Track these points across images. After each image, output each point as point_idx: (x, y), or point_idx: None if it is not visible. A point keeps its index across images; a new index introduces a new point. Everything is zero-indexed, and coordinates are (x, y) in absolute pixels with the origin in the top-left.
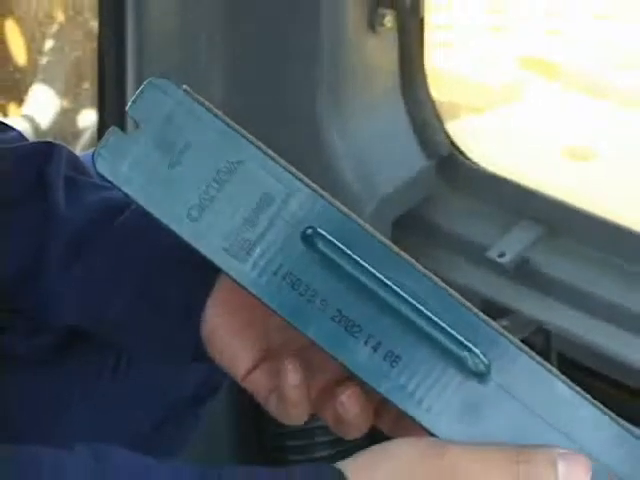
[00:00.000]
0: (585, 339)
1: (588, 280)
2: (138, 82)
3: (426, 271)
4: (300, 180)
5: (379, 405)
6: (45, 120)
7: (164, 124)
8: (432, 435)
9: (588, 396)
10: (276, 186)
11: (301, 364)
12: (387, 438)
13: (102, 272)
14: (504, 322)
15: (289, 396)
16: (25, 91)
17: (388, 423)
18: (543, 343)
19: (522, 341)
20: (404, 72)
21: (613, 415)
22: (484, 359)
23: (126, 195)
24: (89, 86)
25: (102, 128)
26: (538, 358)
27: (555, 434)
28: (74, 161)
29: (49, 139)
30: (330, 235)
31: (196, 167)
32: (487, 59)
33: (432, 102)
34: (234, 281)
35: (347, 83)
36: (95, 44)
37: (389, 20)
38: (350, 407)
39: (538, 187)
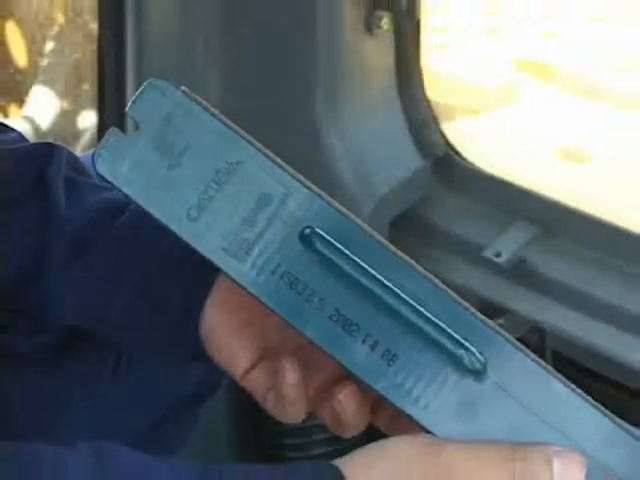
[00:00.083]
0: (580, 338)
1: (584, 280)
2: (137, 83)
3: (423, 271)
4: (298, 180)
5: (376, 403)
6: (45, 121)
7: (163, 125)
8: (429, 433)
9: (583, 394)
10: (274, 186)
11: (299, 363)
12: (384, 436)
13: (102, 272)
14: (500, 321)
15: (287, 394)
16: (26, 92)
17: (385, 421)
18: (539, 342)
19: (518, 340)
20: (400, 73)
21: (608, 413)
22: (480, 357)
23: (126, 195)
24: (89, 87)
25: (102, 129)
26: (534, 357)
27: (550, 432)
28: (74, 162)
29: (49, 140)
30: (328, 235)
31: (195, 168)
32: (483, 61)
33: (428, 103)
34: (233, 280)
35: (344, 84)
36: (95, 46)
37: (386, 22)
38: (347, 406)
39: (533, 187)
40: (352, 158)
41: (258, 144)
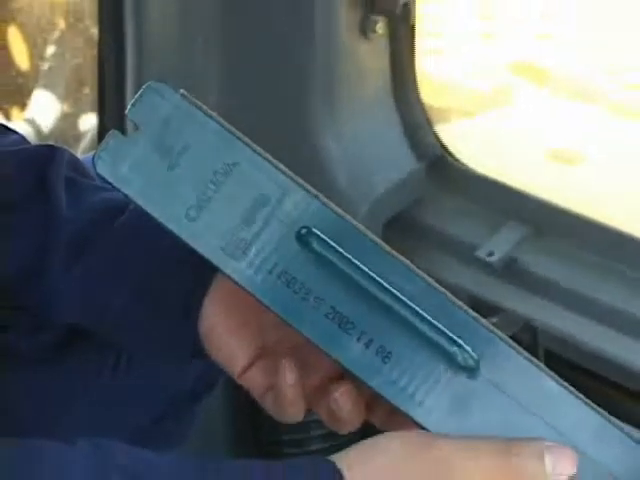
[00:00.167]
0: (572, 336)
1: (574, 279)
2: (137, 87)
3: (418, 270)
4: (294, 181)
5: (371, 400)
6: (47, 124)
7: (162, 127)
8: (423, 429)
9: (575, 391)
10: (271, 187)
11: (296, 362)
12: (379, 431)
13: (102, 272)
14: (493, 319)
15: (286, 395)
16: (27, 96)
17: (380, 418)
18: (531, 340)
19: (510, 338)
20: (395, 77)
21: (599, 409)
22: (473, 354)
23: (126, 196)
24: (89, 91)
25: (102, 131)
26: (526, 354)
27: (543, 427)
28: (75, 163)
29: (51, 142)
30: (324, 235)
31: (193, 169)
32: (477, 65)
33: (422, 106)
34: (231, 280)
35: (340, 87)
36: (95, 50)
37: (381, 27)
38: (343, 404)
39: (526, 189)
40: (348, 159)
41: (255, 145)
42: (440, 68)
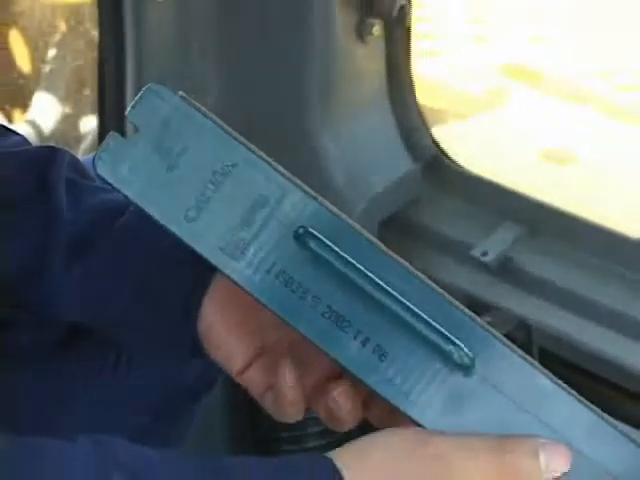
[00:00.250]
0: (565, 334)
1: (567, 277)
2: (137, 88)
3: (413, 269)
4: (292, 182)
5: (368, 398)
6: (48, 125)
7: (162, 129)
8: (419, 426)
9: (568, 388)
10: (270, 188)
11: (294, 361)
12: (376, 428)
13: (102, 272)
14: (487, 318)
15: (286, 396)
16: (29, 98)
17: (378, 415)
18: (525, 338)
19: (505, 336)
20: (391, 79)
21: (593, 406)
22: (469, 353)
23: (126, 197)
24: (90, 93)
25: (103, 133)
26: (521, 352)
27: (537, 425)
28: (75, 164)
29: (52, 143)
30: (321, 235)
31: (193, 170)
32: (471, 67)
33: (418, 107)
34: (229, 279)
35: (337, 89)
36: (96, 53)
37: (377, 29)
38: (342, 403)
39: (519, 189)
40: (344, 160)
41: (253, 147)
42: (435, 70)
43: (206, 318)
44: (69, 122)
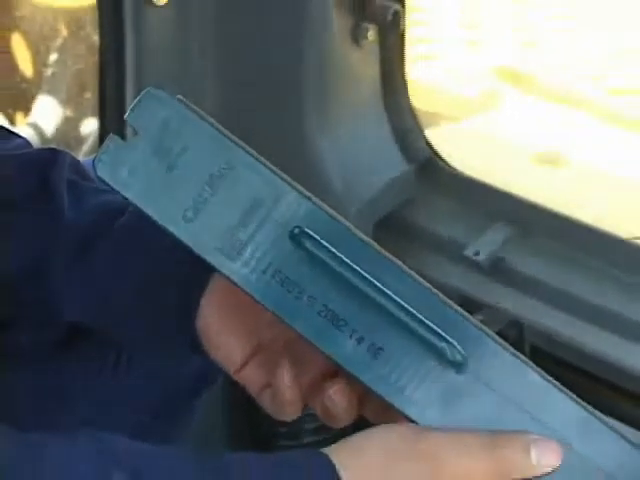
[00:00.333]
0: (556, 332)
1: (557, 276)
2: (136, 92)
3: (407, 269)
4: (288, 183)
5: (364, 395)
6: (50, 128)
7: (160, 131)
8: (413, 422)
9: (559, 385)
10: (266, 189)
11: (291, 360)
12: (371, 424)
13: (102, 272)
14: (480, 316)
15: (284, 395)
16: (31, 101)
17: (373, 411)
18: (517, 335)
19: (497, 334)
20: (386, 82)
21: (583, 403)
22: (461, 350)
23: (125, 198)
24: (91, 96)
25: (103, 135)
26: (513, 350)
27: (528, 421)
28: (76, 166)
29: (53, 145)
30: (317, 235)
31: (191, 172)
32: (465, 71)
33: (412, 110)
34: (227, 279)
35: (332, 93)
36: (96, 57)
37: (372, 34)
38: (338, 401)
39: (511, 190)
40: (340, 163)
41: (250, 149)
42: (429, 74)
43: (204, 318)
44: (70, 124)
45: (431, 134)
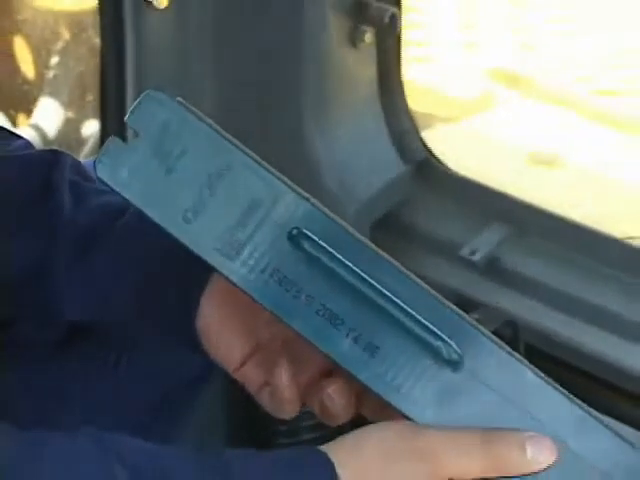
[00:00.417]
0: (551, 331)
1: (553, 276)
2: (137, 94)
3: (404, 268)
4: (286, 184)
5: (361, 393)
6: (51, 129)
7: (160, 133)
8: (410, 420)
9: (554, 383)
10: (264, 190)
11: (289, 359)
12: (367, 421)
13: (103, 271)
14: (475, 315)
15: (283, 393)
16: (33, 103)
17: (370, 409)
18: (512, 334)
19: (493, 332)
20: (383, 84)
21: (578, 401)
22: (457, 349)
23: (125, 200)
24: (92, 98)
25: (104, 136)
26: (508, 349)
27: (524, 419)
28: (78, 167)
29: (55, 147)
30: (314, 235)
31: (190, 173)
32: (461, 73)
33: (409, 112)
34: (226, 279)
35: (330, 94)
36: (98, 59)
37: (369, 36)
38: (337, 400)
39: (507, 191)
40: (337, 163)
41: (248, 150)
42: (426, 76)
43: (204, 317)
44: (72, 126)
45: (427, 135)
